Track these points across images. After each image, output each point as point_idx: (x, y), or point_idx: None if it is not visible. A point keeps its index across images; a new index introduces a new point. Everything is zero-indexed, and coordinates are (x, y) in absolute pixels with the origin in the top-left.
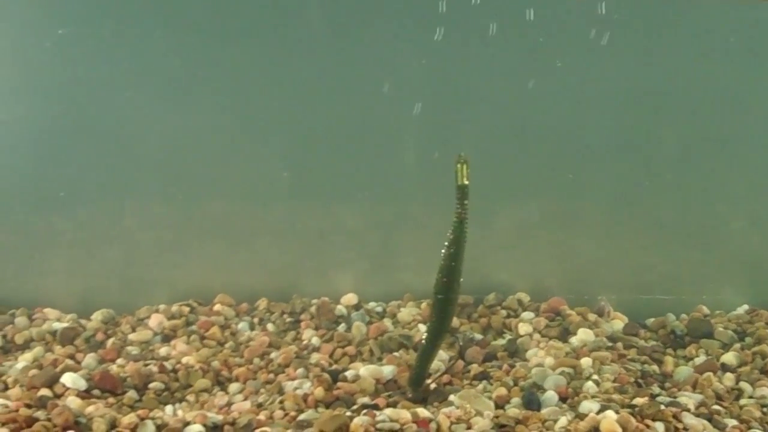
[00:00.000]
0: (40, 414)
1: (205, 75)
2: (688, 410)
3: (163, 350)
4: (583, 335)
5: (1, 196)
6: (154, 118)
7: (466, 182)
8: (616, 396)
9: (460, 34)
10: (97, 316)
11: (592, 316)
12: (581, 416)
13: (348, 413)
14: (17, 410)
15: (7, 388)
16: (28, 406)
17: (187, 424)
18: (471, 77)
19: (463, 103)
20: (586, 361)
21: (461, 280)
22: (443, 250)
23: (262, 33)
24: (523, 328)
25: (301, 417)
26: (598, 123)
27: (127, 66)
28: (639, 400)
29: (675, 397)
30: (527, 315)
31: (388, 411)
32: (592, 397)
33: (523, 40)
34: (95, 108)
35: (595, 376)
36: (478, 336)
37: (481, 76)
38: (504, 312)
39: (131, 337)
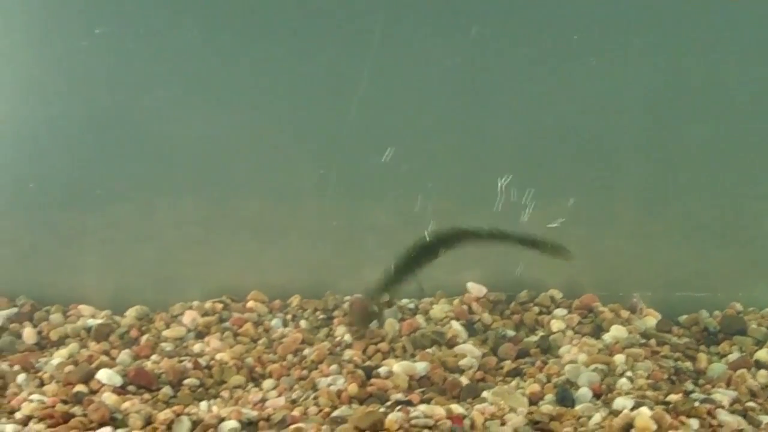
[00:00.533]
0: (76, 410)
1: (237, 73)
2: (723, 407)
3: (196, 347)
4: (615, 332)
5: (34, 194)
6: (186, 116)
7: None
8: (649, 393)
9: (493, 31)
10: (131, 312)
11: (624, 313)
12: (615, 413)
13: (382, 409)
14: (54, 406)
15: (42, 384)
16: (64, 402)
17: (222, 420)
18: (504, 74)
19: (496, 100)
20: (619, 358)
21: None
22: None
23: (293, 31)
24: (556, 325)
25: (335, 413)
26: (630, 119)
27: (159, 64)
28: (673, 397)
29: (709, 394)
30: (560, 312)
31: (423, 407)
32: (626, 393)
33: (558, 37)
34: (128, 106)
35: (628, 373)
36: (511, 333)
37: (514, 73)
38: (536, 309)
39: (165, 333)
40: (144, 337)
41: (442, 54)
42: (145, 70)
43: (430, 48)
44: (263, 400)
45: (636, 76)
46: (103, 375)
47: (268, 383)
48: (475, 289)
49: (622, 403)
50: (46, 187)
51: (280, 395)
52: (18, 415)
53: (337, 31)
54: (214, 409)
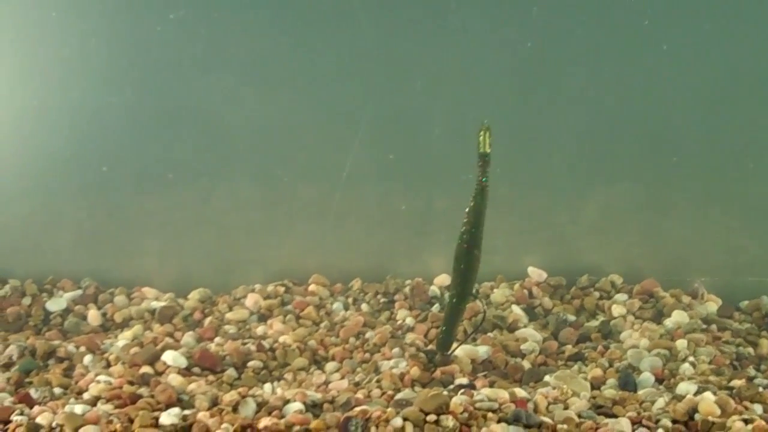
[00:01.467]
0: (143, 391)
1: (300, 57)
2: None
3: (259, 329)
4: (677, 317)
5: (98, 178)
6: (247, 101)
7: (488, 150)
8: (712, 378)
9: (560, 18)
10: (194, 295)
11: (686, 298)
12: (679, 398)
13: (445, 393)
14: (121, 387)
15: (109, 365)
16: (131, 383)
17: (287, 401)
18: (567, 61)
19: (561, 84)
20: (681, 343)
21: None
22: (464, 218)
23: (355, 16)
24: (617, 310)
25: (399, 396)
26: (695, 105)
27: (223, 50)
28: (736, 382)
29: None
30: (620, 297)
31: (487, 391)
32: (689, 378)
33: (626, 24)
34: (192, 91)
35: (690, 358)
36: (571, 317)
37: (578, 60)
38: (597, 294)
39: (228, 316)
40: (207, 320)
41: (507, 37)
42: (207, 55)
43: (496, 31)
44: (326, 383)
45: (703, 62)
46: (169, 357)
47: (330, 366)
48: (536, 273)
49: (685, 388)
50: (110, 171)
51: (342, 378)
52: (86, 396)
53: (399, 16)
54: (278, 391)
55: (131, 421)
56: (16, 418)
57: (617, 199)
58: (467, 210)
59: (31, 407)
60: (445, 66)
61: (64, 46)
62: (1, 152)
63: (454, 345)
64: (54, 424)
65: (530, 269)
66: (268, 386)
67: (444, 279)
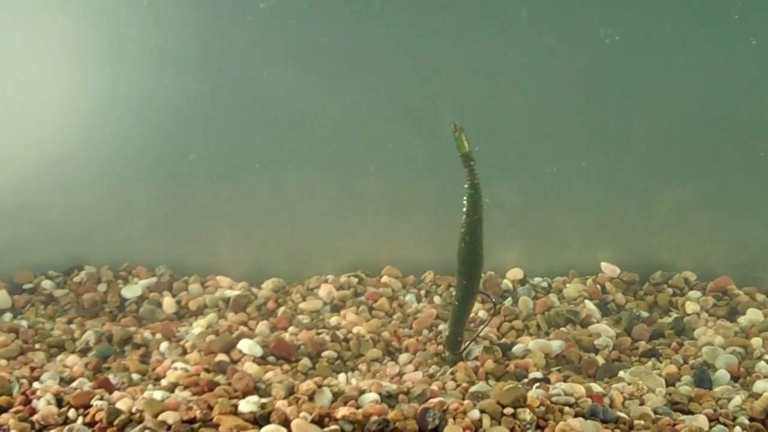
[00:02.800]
0: (219, 378)
1: (374, 49)
2: None
3: (333, 320)
4: (752, 315)
5: (172, 167)
6: (324, 92)
7: (467, 149)
8: None
9: (638, 15)
10: (268, 284)
11: (760, 296)
12: (755, 396)
13: (520, 386)
14: (198, 374)
15: (185, 352)
16: (207, 371)
17: (362, 392)
18: (642, 57)
19: (633, 83)
20: (756, 341)
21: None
22: (463, 217)
23: (435, 8)
24: (690, 307)
25: (473, 389)
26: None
27: (295, 41)
28: None
29: None
30: (694, 294)
31: (562, 385)
32: (765, 377)
33: (708, 18)
34: (262, 82)
35: (767, 356)
36: (645, 313)
37: (653, 56)
38: (670, 290)
39: (302, 306)
40: (281, 309)
41: (585, 33)
42: (280, 46)
43: (572, 26)
44: (400, 374)
45: None
46: (244, 345)
47: (404, 357)
48: (609, 269)
49: (762, 386)
50: (181, 160)
51: (416, 369)
52: (164, 382)
53: (477, 11)
54: (353, 381)
55: (210, 408)
56: (96, 403)
57: (691, 195)
58: (464, 210)
59: (111, 393)
60: (522, 61)
61: (154, 34)
62: (80, 138)
63: (465, 345)
64: (134, 410)
65: (603, 265)
66: (342, 376)
67: (516, 273)
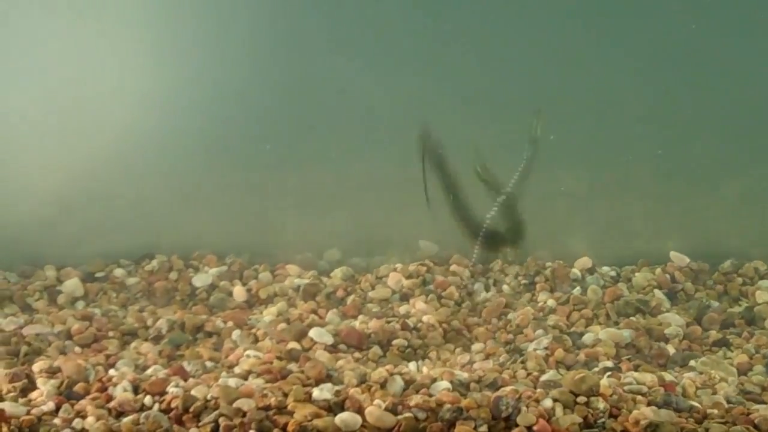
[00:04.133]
0: (292, 366)
1: (435, 37)
2: None
3: (402, 308)
4: None
5: (238, 158)
6: (386, 79)
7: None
8: None
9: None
10: (337, 273)
11: None
12: None
13: (591, 372)
14: (271, 362)
15: (257, 340)
16: (280, 359)
17: (434, 380)
18: (709, 42)
19: (700, 70)
20: None
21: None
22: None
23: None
24: (761, 296)
25: (544, 377)
26: None
27: (361, 32)
28: None
29: None
30: (764, 283)
31: (634, 374)
32: None
33: None
34: (331, 71)
35: None
36: (715, 303)
37: (722, 41)
38: (740, 279)
39: (371, 294)
40: (350, 298)
41: (663, 19)
42: (345, 34)
43: (645, 18)
44: (471, 363)
45: None
46: (315, 333)
47: (475, 346)
48: (678, 258)
49: None
50: (245, 151)
51: (487, 358)
52: (237, 370)
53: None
54: (424, 369)
55: (285, 395)
56: (171, 390)
57: (760, 183)
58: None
59: (186, 380)
60: (601, 49)
61: (222, 26)
62: (147, 128)
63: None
64: (209, 397)
65: (672, 254)
66: (412, 365)
67: (585, 262)
